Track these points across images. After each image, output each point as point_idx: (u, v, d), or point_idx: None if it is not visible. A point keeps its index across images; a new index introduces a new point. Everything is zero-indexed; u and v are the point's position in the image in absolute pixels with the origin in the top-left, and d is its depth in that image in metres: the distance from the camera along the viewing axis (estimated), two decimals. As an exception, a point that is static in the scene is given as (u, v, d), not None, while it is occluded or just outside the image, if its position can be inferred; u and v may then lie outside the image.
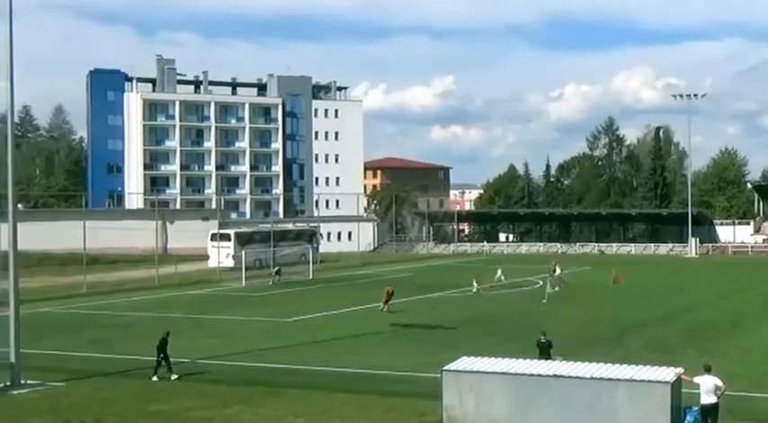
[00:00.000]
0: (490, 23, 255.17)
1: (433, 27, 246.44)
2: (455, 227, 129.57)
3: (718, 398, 19.67)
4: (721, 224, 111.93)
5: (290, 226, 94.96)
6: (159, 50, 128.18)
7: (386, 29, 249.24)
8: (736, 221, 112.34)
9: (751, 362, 29.86)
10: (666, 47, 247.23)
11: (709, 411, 19.52)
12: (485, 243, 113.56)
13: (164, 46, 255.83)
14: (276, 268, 64.68)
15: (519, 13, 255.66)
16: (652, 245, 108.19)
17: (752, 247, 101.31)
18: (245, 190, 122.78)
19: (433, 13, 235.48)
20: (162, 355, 27.15)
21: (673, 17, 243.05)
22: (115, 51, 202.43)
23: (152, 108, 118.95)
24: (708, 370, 20.14)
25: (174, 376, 26.98)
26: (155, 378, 26.83)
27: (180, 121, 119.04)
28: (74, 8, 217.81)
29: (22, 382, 26.29)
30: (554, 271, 56.49)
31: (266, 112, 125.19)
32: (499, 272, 61.40)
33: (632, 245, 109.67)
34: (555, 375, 19.69)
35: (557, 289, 53.26)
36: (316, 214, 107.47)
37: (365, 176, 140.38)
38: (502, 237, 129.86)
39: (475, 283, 54.16)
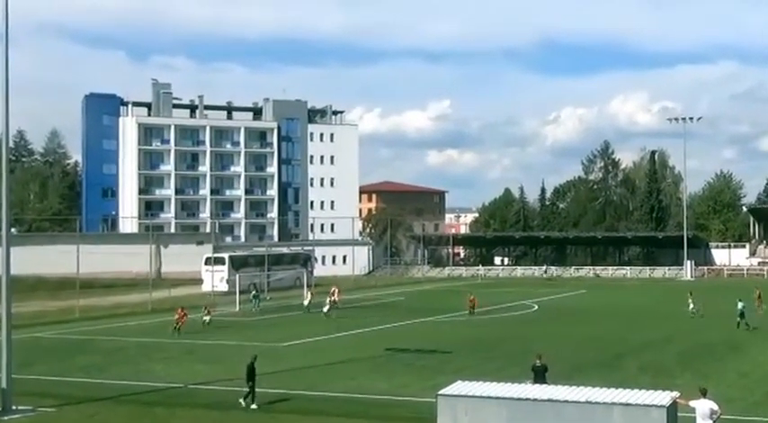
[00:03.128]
0: (485, 47, 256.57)
1: (428, 51, 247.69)
2: (450, 250, 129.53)
3: (714, 422, 19.55)
4: (717, 247, 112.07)
5: (284, 250, 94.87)
6: (153, 75, 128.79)
7: (381, 53, 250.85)
8: (732, 244, 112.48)
9: (747, 385, 29.73)
10: (661, 70, 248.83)
11: (706, 435, 19.41)
12: (480, 267, 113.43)
13: (157, 70, 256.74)
14: (253, 292, 63.78)
15: (513, 37, 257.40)
16: (648, 268, 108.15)
17: (747, 270, 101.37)
18: (239, 214, 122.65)
19: (428, 36, 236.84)
20: (250, 383, 26.35)
21: (667, 41, 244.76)
22: (108, 76, 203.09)
23: (147, 132, 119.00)
24: (704, 394, 20.08)
25: (254, 406, 26.14)
26: (253, 405, 26.07)
27: (175, 145, 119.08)
28: (67, 32, 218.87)
29: (14, 407, 26.04)
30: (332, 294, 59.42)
31: (261, 136, 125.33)
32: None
33: (628, 268, 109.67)
34: (550, 399, 19.55)
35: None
36: (311, 238, 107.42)
37: (360, 200, 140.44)
38: (497, 260, 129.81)
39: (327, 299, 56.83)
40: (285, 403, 26.98)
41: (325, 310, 54.66)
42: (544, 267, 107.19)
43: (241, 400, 26.31)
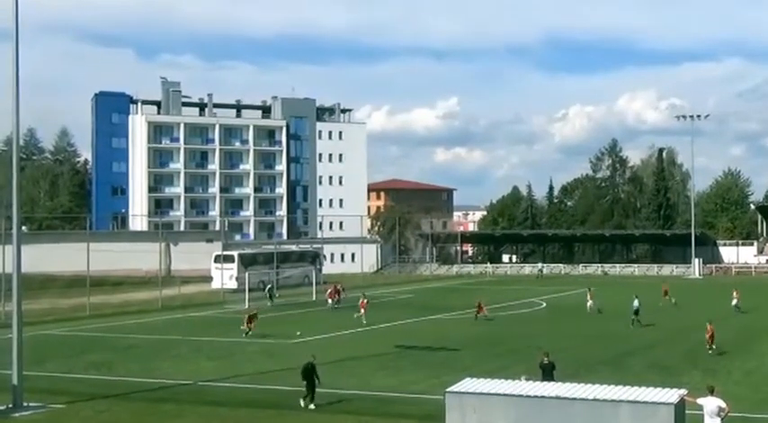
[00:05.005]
0: (490, 45, 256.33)
1: (435, 48, 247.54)
2: (458, 248, 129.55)
3: (722, 419, 19.61)
4: (725, 245, 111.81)
5: (293, 247, 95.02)
6: (161, 73, 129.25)
7: (388, 51, 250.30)
8: (740, 242, 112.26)
9: (754, 383, 29.75)
10: (668, 68, 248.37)
11: (713, 433, 19.46)
12: (488, 264, 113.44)
13: (165, 68, 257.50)
14: (269, 286, 64.81)
15: (518, 35, 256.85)
16: (655, 266, 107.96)
17: (755, 268, 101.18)
18: (248, 212, 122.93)
19: (433, 34, 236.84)
20: (308, 383, 25.84)
21: (673, 38, 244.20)
22: (117, 74, 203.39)
23: (157, 130, 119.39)
24: (711, 391, 20.11)
25: (312, 406, 25.66)
26: (311, 406, 25.57)
27: (184, 143, 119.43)
28: (74, 31, 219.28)
29: (24, 404, 26.23)
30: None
31: (270, 134, 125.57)
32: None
33: (636, 266, 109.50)
34: (557, 397, 19.63)
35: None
36: (319, 236, 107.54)
37: (369, 198, 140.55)
38: (505, 258, 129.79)
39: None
40: (294, 400, 27.08)
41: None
42: (539, 265, 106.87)
43: (301, 400, 25.80)
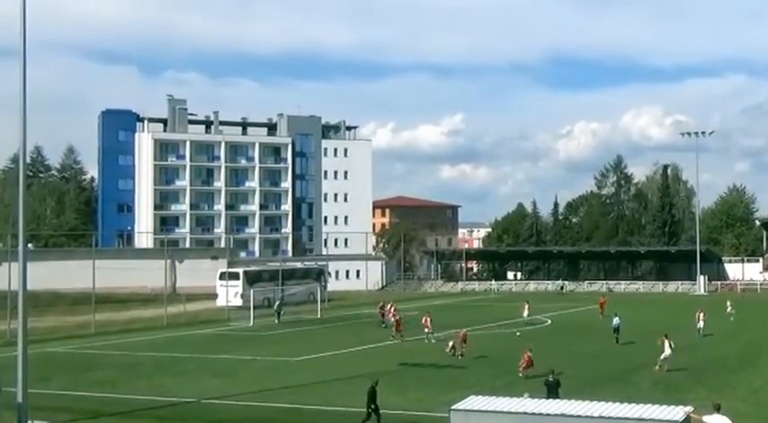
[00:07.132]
0: (494, 62, 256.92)
1: (439, 65, 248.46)
2: (463, 265, 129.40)
3: (728, 437, 19.54)
4: (730, 261, 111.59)
5: (298, 264, 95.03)
6: (165, 90, 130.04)
7: (392, 68, 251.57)
8: (745, 259, 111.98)
9: (760, 401, 29.65)
10: (673, 84, 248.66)
11: (719, 451, 19.39)
12: (493, 281, 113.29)
13: (170, 86, 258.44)
14: (277, 302, 65.00)
15: (522, 52, 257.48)
16: (660, 283, 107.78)
17: (761, 285, 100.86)
18: (254, 229, 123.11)
19: (437, 51, 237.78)
20: (372, 407, 25.03)
21: (676, 55, 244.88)
22: (122, 91, 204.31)
23: (163, 148, 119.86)
24: (717, 409, 20.05)
25: None
26: None
27: (190, 161, 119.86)
28: (79, 48, 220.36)
29: (30, 422, 26.20)
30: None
31: (276, 151, 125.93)
32: None
33: (641, 283, 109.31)
34: (563, 414, 19.58)
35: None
36: (324, 253, 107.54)
37: (374, 215, 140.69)
38: (510, 275, 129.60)
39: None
40: (299, 418, 27.08)
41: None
42: (560, 282, 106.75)
43: None
